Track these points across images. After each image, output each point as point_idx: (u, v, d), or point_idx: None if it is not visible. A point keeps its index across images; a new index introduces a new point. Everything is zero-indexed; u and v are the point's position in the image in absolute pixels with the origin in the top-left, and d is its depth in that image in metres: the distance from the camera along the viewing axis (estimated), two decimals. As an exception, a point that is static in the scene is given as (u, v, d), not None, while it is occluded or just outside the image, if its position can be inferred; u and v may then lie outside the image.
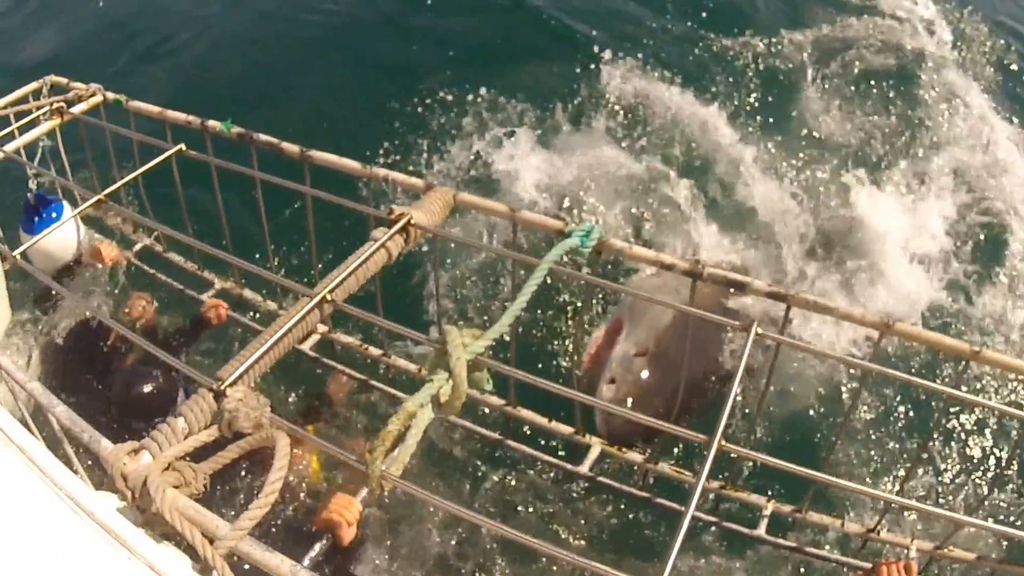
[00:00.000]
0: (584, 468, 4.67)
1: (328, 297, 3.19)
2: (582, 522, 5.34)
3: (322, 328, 5.16)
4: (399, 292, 6.28)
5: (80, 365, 5.56)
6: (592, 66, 9.17)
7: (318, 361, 5.31)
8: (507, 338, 4.24)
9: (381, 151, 8.09)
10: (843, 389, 6.01)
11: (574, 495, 5.33)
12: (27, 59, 10.48)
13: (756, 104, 9.08)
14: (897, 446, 5.71)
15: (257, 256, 5.52)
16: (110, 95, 5.37)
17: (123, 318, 5.71)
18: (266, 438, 2.53)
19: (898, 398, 6.00)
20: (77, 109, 5.32)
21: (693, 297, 3.80)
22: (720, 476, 4.49)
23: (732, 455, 2.91)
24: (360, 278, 3.38)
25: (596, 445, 4.76)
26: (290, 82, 9.52)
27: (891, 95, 9.16)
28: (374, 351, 5.12)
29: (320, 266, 4.76)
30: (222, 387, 2.74)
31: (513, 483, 5.38)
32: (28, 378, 3.19)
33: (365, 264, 3.38)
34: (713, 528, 4.81)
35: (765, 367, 4.05)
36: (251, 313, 5.77)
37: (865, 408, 5.92)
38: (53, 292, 5.72)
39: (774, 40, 9.86)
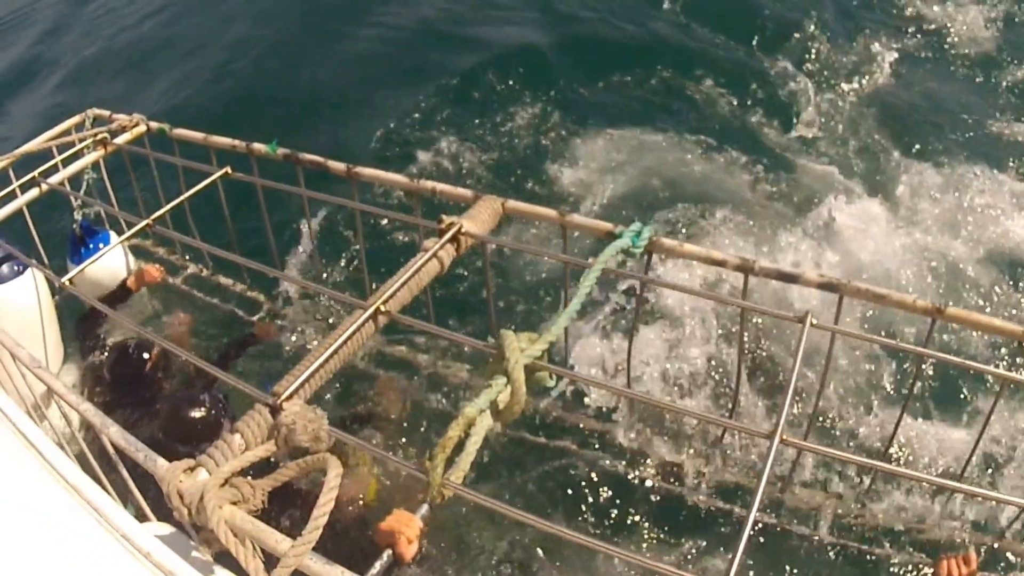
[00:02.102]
0: (645, 471, 4.66)
1: (382, 308, 3.19)
2: (640, 523, 5.30)
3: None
4: (447, 300, 6.25)
5: (120, 390, 5.59)
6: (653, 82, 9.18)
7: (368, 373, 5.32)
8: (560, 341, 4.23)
9: (427, 164, 8.11)
10: (894, 374, 5.95)
11: (631, 498, 5.28)
12: (71, 93, 10.67)
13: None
14: (952, 432, 5.61)
15: (303, 274, 5.53)
16: (153, 124, 5.42)
17: (168, 332, 5.78)
18: (323, 459, 2.50)
19: (953, 383, 5.90)
20: (121, 139, 5.38)
21: (745, 291, 3.79)
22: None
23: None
24: (413, 288, 3.38)
25: (652, 457, 4.74)
26: (333, 99, 9.54)
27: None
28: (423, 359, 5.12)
29: (366, 276, 4.73)
30: (278, 402, 2.74)
31: (566, 487, 5.34)
32: (79, 400, 3.22)
33: (417, 274, 3.38)
34: (776, 528, 4.76)
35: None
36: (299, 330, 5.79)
37: (918, 393, 5.83)
38: (96, 318, 5.80)
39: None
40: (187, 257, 6.34)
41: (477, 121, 8.75)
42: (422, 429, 5.57)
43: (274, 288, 5.73)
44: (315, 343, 5.66)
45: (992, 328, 3.64)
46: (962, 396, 5.79)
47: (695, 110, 9.03)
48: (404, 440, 5.52)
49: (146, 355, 5.50)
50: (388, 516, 4.11)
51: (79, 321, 5.97)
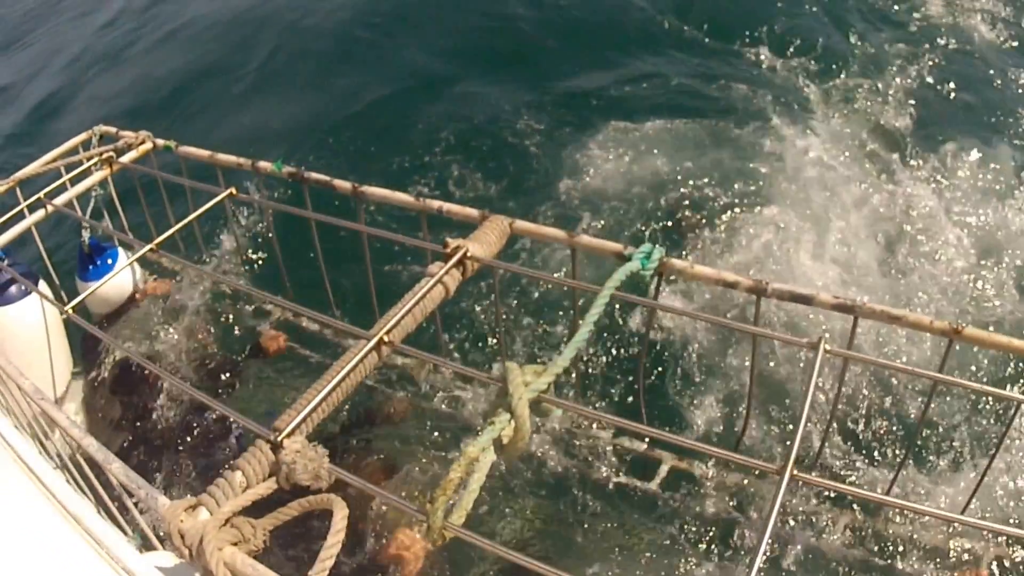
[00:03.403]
0: (654, 485, 4.59)
1: (385, 339, 3.12)
2: (651, 540, 5.24)
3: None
4: (456, 316, 6.20)
5: (124, 401, 5.58)
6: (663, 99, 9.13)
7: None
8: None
9: (433, 181, 8.09)
10: (908, 397, 5.86)
11: (643, 513, 5.21)
12: (79, 109, 10.73)
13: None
14: (967, 457, 5.52)
15: (314, 289, 5.48)
16: (159, 141, 5.39)
17: (177, 348, 5.78)
18: (328, 500, 2.46)
19: (969, 405, 5.80)
20: (127, 158, 5.35)
21: (758, 314, 3.71)
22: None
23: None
24: (418, 316, 3.32)
25: (667, 461, 4.68)
26: (337, 116, 9.54)
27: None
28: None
29: (374, 300, 4.67)
30: (279, 438, 2.68)
31: (579, 501, 5.29)
32: (83, 434, 3.19)
33: (422, 301, 3.31)
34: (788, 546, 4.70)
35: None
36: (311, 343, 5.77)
37: (934, 418, 5.73)
38: (106, 328, 5.81)
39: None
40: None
41: (478, 130, 8.74)
42: (428, 431, 5.54)
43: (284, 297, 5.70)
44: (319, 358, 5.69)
45: (1011, 348, 3.55)
46: (978, 421, 5.70)
47: (700, 106, 9.01)
48: (412, 443, 5.49)
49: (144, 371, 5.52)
50: (392, 540, 4.10)
51: (85, 337, 5.97)
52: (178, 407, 5.43)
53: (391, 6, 11.58)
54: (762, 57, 9.80)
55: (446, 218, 4.08)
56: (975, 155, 8.02)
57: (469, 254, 3.51)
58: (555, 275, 6.34)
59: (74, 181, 5.42)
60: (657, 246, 3.57)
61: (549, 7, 11.01)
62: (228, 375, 5.64)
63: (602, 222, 7.51)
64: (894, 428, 5.60)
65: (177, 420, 5.31)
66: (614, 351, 6.09)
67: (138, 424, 5.38)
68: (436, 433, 5.40)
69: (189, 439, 5.17)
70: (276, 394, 5.86)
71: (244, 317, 5.94)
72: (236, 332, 6.06)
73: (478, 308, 6.21)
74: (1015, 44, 9.98)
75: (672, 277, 4.28)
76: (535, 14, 10.93)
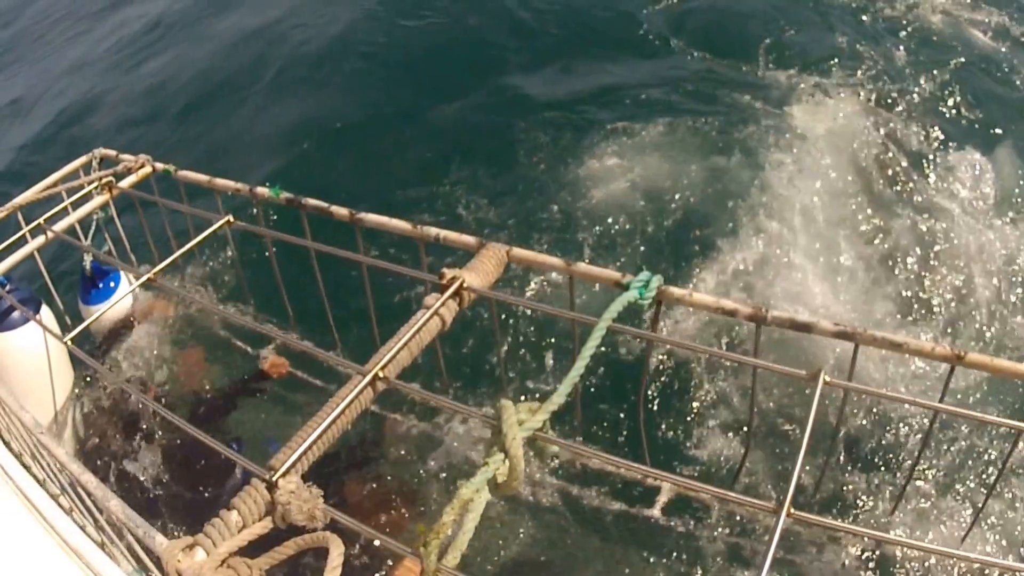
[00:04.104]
0: (655, 511, 4.56)
1: (380, 374, 3.10)
2: (651, 572, 5.21)
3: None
4: (455, 343, 6.18)
5: (126, 425, 5.58)
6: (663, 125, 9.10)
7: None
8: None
9: (432, 207, 8.10)
10: (910, 423, 5.81)
11: (643, 543, 5.19)
12: (76, 130, 10.81)
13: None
14: (969, 486, 5.47)
15: (314, 313, 5.46)
16: (159, 165, 5.37)
17: (178, 370, 5.79)
18: (325, 538, 2.46)
19: (972, 432, 5.75)
20: (126, 182, 5.34)
21: (758, 341, 3.67)
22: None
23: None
24: (413, 350, 3.29)
25: (667, 488, 4.65)
26: (336, 140, 9.59)
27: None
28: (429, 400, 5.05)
29: (375, 330, 4.64)
30: (274, 478, 2.67)
31: (578, 529, 5.27)
32: (81, 469, 3.19)
33: (418, 335, 3.29)
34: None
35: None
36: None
37: (937, 444, 5.68)
38: (99, 358, 5.83)
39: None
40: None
41: (474, 148, 8.78)
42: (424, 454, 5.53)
43: (287, 322, 5.69)
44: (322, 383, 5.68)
45: (1015, 373, 3.52)
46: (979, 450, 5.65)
47: (699, 117, 9.00)
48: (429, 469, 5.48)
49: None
50: (397, 568, 4.08)
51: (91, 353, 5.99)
52: (180, 431, 5.44)
53: (383, 30, 11.71)
54: (760, 67, 9.79)
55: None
56: (979, 167, 7.99)
57: (465, 285, 3.48)
58: (552, 305, 6.33)
59: (75, 205, 5.43)
60: (655, 274, 3.55)
61: (540, 26, 11.05)
62: (230, 401, 5.65)
63: (601, 240, 7.52)
64: (895, 456, 5.57)
65: (178, 444, 5.31)
66: (614, 374, 6.09)
67: (139, 449, 5.38)
68: (449, 455, 5.42)
69: (191, 465, 5.17)
70: (280, 418, 5.89)
71: (246, 341, 5.93)
72: (238, 356, 6.06)
73: (476, 335, 6.21)
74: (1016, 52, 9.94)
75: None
76: (525, 33, 11.03)
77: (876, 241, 7.25)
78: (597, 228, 7.62)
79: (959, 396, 5.82)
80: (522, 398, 5.96)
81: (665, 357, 6.10)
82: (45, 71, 14.27)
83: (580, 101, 9.52)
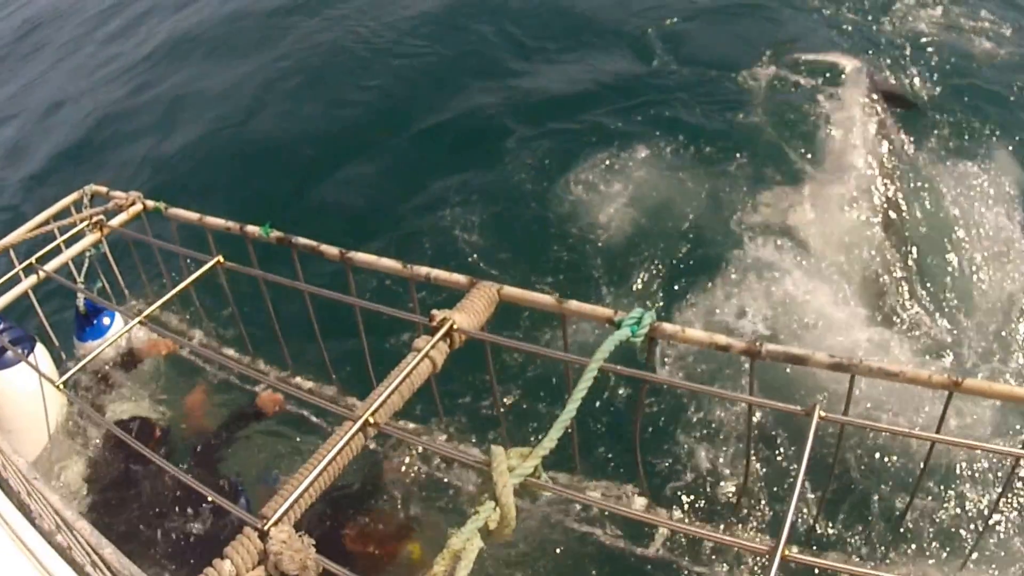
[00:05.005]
0: (652, 549, 4.52)
1: (371, 420, 3.08)
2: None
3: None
4: (451, 380, 6.13)
5: (122, 465, 5.54)
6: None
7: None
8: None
9: (422, 245, 8.11)
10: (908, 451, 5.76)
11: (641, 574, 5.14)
12: (69, 166, 10.89)
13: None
14: (969, 516, 5.41)
15: (309, 350, 5.43)
16: (149, 203, 5.37)
17: (184, 411, 5.77)
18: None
19: (971, 461, 5.69)
20: (117, 220, 5.34)
21: (753, 377, 3.63)
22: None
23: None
24: (405, 393, 3.27)
25: (665, 527, 4.60)
26: (324, 178, 9.60)
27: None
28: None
29: (371, 371, 4.61)
30: (266, 527, 2.66)
31: (576, 561, 5.22)
32: (77, 516, 3.17)
33: (409, 378, 3.27)
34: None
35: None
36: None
37: (937, 474, 5.61)
38: (105, 384, 5.82)
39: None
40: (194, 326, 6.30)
41: (463, 185, 8.77)
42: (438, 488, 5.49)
43: (281, 361, 5.67)
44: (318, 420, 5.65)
45: (1015, 397, 3.48)
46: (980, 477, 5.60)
47: (689, 137, 8.97)
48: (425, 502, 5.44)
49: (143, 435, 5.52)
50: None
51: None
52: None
53: (368, 53, 11.80)
54: (754, 84, 9.73)
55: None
56: (983, 176, 7.95)
57: (456, 326, 3.45)
58: (548, 336, 6.36)
59: (68, 243, 5.43)
60: (647, 311, 3.51)
61: (527, 47, 11.12)
62: (229, 438, 5.63)
63: (596, 267, 7.50)
64: (895, 486, 5.52)
65: (175, 484, 5.27)
66: (611, 406, 6.06)
67: (135, 489, 5.35)
68: (445, 489, 5.38)
69: (188, 505, 5.13)
70: (278, 452, 5.87)
71: (242, 377, 5.90)
72: (236, 392, 6.03)
73: (471, 368, 6.17)
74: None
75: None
76: (514, 55, 11.10)
77: (881, 260, 7.19)
78: (591, 258, 7.58)
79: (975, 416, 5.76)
80: (520, 429, 5.93)
81: (663, 387, 6.05)
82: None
83: (571, 121, 9.48)
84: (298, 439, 5.86)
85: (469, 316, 3.57)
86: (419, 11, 12.64)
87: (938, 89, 9.38)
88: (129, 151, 11.30)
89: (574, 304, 3.74)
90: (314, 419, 5.63)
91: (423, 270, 4.02)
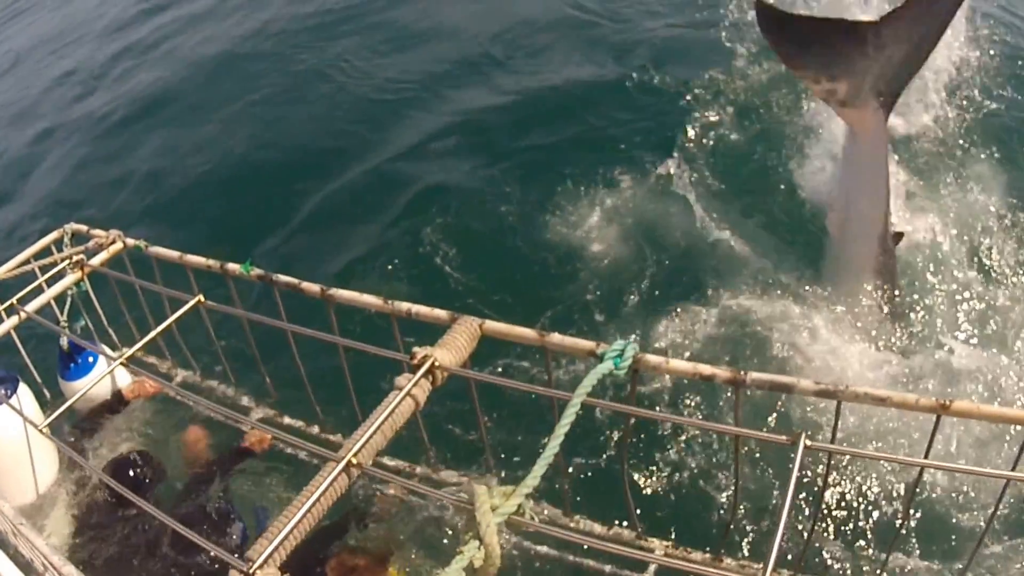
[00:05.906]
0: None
1: (354, 461, 3.06)
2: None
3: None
4: (435, 415, 6.10)
5: (111, 505, 5.50)
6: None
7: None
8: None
9: (400, 276, 8.11)
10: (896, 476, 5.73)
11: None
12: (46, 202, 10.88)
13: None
14: (959, 538, 5.38)
15: (294, 387, 5.41)
16: (130, 241, 5.37)
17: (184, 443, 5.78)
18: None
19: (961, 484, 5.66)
20: (97, 260, 5.34)
21: (739, 407, 3.61)
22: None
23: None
24: (387, 432, 3.25)
25: (658, 550, 4.57)
26: (303, 212, 9.58)
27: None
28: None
29: (358, 410, 4.59)
30: (252, 569, 2.68)
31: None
32: (64, 561, 3.16)
33: (391, 417, 3.24)
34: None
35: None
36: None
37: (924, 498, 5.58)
38: (84, 433, 5.82)
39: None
40: (177, 366, 6.27)
41: (446, 211, 8.82)
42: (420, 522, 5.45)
43: (267, 397, 5.65)
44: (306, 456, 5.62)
45: (1004, 418, 3.47)
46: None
47: (660, 163, 8.94)
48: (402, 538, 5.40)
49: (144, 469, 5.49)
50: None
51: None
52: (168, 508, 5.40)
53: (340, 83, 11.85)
54: (744, 105, 9.71)
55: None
56: (985, 194, 7.95)
57: (437, 364, 3.43)
58: (532, 369, 6.37)
59: (49, 282, 5.41)
60: (630, 343, 3.49)
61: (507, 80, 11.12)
62: (218, 477, 5.58)
63: (579, 298, 7.47)
64: (883, 511, 5.50)
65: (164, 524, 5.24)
66: (598, 436, 6.02)
67: (124, 529, 5.31)
68: (428, 524, 5.35)
69: (178, 543, 5.09)
70: (268, 489, 5.83)
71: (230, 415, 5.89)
72: (223, 432, 6.00)
73: (455, 399, 6.16)
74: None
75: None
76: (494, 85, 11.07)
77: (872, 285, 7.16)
78: (571, 288, 7.57)
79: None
80: (508, 458, 5.89)
81: (651, 406, 6.02)
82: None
83: (555, 149, 9.49)
84: (286, 475, 5.82)
85: (451, 352, 3.54)
86: (389, 35, 12.92)
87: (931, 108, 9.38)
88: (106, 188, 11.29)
89: (556, 337, 3.73)
90: (302, 456, 5.61)
91: (404, 306, 4.01)
